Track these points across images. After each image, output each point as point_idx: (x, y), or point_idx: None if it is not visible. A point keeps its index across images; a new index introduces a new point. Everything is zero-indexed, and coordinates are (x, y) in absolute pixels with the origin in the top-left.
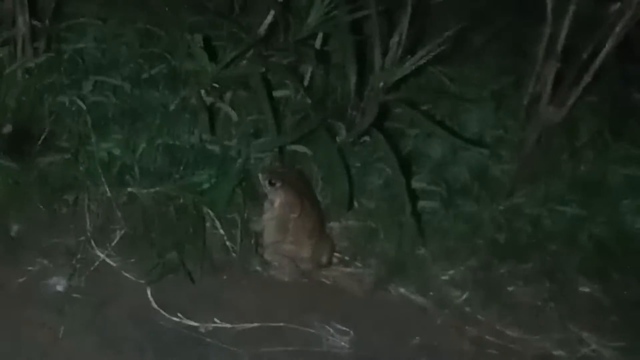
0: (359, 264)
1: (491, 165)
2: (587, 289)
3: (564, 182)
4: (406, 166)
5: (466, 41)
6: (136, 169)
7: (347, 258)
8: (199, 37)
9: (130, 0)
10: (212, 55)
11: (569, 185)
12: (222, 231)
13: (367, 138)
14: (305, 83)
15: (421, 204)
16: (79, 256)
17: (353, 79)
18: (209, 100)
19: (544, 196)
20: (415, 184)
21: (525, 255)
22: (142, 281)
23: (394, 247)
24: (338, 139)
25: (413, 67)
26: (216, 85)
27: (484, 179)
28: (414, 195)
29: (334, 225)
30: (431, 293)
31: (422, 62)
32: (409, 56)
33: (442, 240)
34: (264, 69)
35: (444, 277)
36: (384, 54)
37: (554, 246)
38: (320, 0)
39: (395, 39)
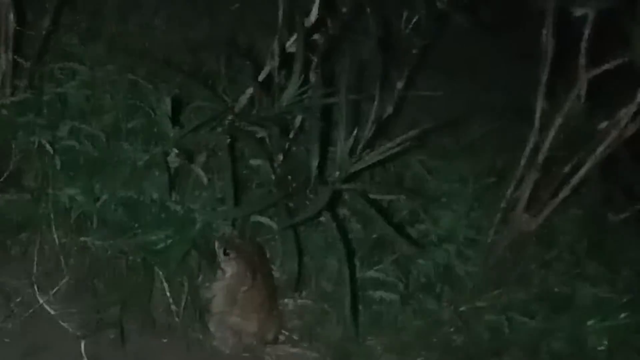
0: (306, 345)
1: (457, 265)
2: None
3: (530, 292)
4: (370, 253)
5: (462, 134)
6: (95, 219)
7: (295, 337)
8: (167, 101)
9: (135, 49)
10: (180, 120)
11: (535, 296)
12: (168, 293)
13: None
14: (279, 158)
15: (378, 294)
16: (18, 299)
17: (315, 163)
18: (175, 162)
19: (507, 304)
20: (375, 274)
21: None
22: (78, 333)
23: (344, 333)
24: (281, 223)
25: (370, 162)
26: (176, 151)
27: (448, 277)
28: (355, 288)
29: (288, 302)
30: None
31: (379, 158)
32: (367, 150)
33: (397, 333)
34: (228, 140)
35: None
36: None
37: (508, 357)
38: (297, 79)
39: (356, 130)
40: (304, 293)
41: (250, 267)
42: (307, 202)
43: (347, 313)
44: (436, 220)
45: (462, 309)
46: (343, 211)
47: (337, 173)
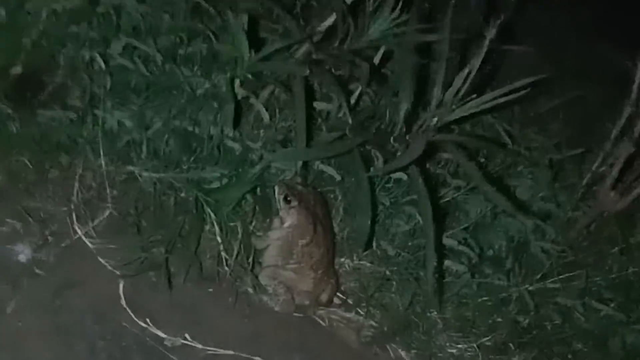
0: (362, 312)
1: (532, 240)
2: None
3: (607, 278)
4: (440, 218)
5: (534, 102)
6: (144, 148)
7: (350, 302)
8: (244, 18)
9: None
10: (256, 44)
11: (612, 283)
12: (219, 239)
13: (403, 176)
14: (352, 101)
15: (446, 263)
16: (54, 227)
17: (405, 107)
18: (241, 92)
19: (582, 288)
20: (445, 240)
21: (546, 347)
22: (117, 272)
23: (405, 303)
24: (372, 170)
25: (475, 110)
26: (250, 77)
27: (520, 252)
28: (441, 253)
29: (344, 262)
30: None
31: (486, 106)
32: (474, 95)
33: (458, 308)
34: (308, 72)
35: (451, 350)
36: (446, 88)
37: (579, 345)
38: (390, 11)
39: (463, 73)
40: (362, 254)
41: (311, 219)
42: (391, 152)
43: (429, 280)
44: (513, 189)
45: (531, 288)
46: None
47: (435, 120)
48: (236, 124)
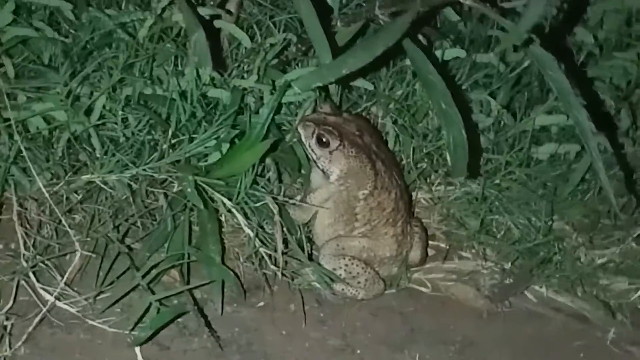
0: (468, 255)
1: None
2: None
3: None
4: None
5: None
6: (96, 142)
7: (445, 246)
8: None
9: None
10: None
11: None
12: (248, 231)
13: (461, 53)
14: None
15: (549, 148)
16: (9, 304)
17: None
18: (206, 12)
19: None
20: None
21: None
22: (126, 332)
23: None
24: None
25: None
26: None
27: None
28: None
29: (419, 197)
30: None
31: None
32: None
33: (583, 202)
34: None
35: (601, 260)
36: None
37: None
38: None
39: None
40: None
41: (365, 157)
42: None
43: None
44: None
45: None
46: None
47: None
48: (215, 61)
